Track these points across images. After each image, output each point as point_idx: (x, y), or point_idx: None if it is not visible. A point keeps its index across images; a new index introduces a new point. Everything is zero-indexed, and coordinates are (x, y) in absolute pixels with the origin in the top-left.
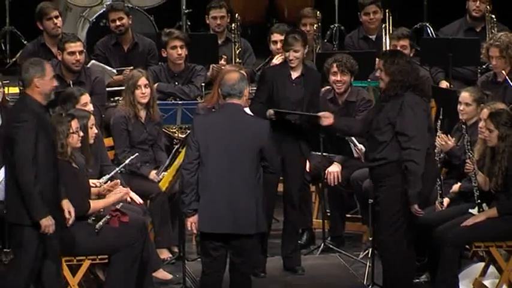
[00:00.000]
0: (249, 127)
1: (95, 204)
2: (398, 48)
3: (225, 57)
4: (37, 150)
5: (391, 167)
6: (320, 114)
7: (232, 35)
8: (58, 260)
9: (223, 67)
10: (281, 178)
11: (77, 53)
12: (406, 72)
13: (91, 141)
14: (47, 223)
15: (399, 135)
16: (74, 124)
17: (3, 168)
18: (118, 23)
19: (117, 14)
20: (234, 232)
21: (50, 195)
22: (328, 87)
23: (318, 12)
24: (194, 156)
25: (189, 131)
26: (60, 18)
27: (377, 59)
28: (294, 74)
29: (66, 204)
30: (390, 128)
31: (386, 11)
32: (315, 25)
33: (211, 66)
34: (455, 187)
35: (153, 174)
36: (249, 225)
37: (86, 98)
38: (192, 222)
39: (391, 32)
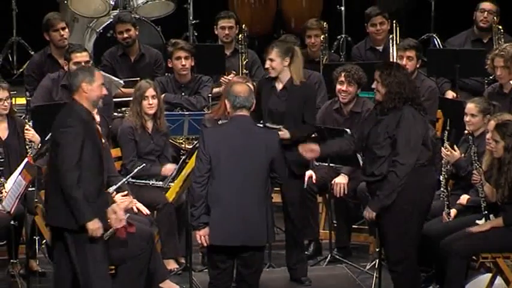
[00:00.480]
0: (260, 139)
1: None
2: (404, 59)
3: (234, 72)
4: (82, 156)
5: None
6: (301, 149)
7: (240, 46)
8: (106, 263)
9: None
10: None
11: (83, 64)
12: (402, 84)
13: None
14: (93, 226)
15: (392, 148)
16: None
17: (10, 179)
18: (125, 34)
19: (125, 26)
20: (246, 244)
21: (97, 200)
22: (334, 98)
23: (324, 23)
24: (205, 169)
25: (196, 142)
26: (67, 30)
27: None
28: (278, 86)
29: (116, 208)
30: (389, 142)
31: (394, 22)
32: (321, 36)
33: (221, 80)
34: (463, 199)
35: (167, 167)
36: (260, 237)
37: None
38: (202, 236)
39: (398, 43)
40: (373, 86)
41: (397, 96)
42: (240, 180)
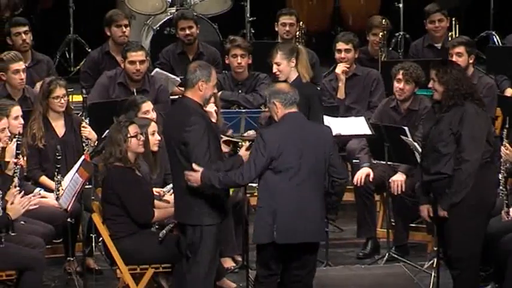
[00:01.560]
0: (318, 135)
1: (159, 213)
2: (454, 55)
3: None
4: (210, 150)
5: (451, 180)
6: None
7: (297, 43)
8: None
9: None
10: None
11: (137, 63)
12: (460, 80)
13: (154, 148)
14: None
15: (457, 145)
16: (133, 129)
17: (67, 176)
18: (187, 31)
19: (188, 23)
20: (308, 241)
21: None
22: (391, 96)
23: (387, 21)
24: (258, 171)
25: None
26: (128, 28)
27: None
28: None
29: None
30: (453, 139)
31: (453, 19)
32: (381, 33)
33: None
34: None
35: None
36: (320, 233)
37: (147, 105)
38: None
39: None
40: (430, 85)
41: (456, 93)
42: (304, 177)
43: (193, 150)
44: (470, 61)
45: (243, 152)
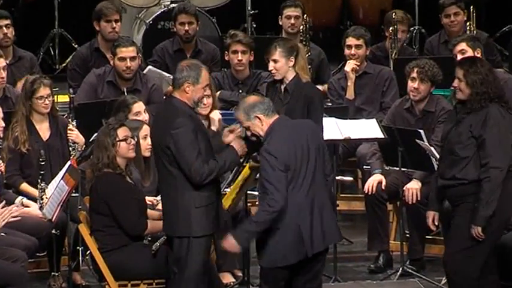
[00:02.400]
0: (309, 130)
1: (153, 225)
2: (458, 55)
3: None
4: (201, 153)
5: (472, 186)
6: None
7: (301, 38)
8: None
9: None
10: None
11: (128, 60)
12: (489, 82)
13: (145, 153)
14: None
15: (480, 150)
16: (122, 132)
17: (52, 183)
18: (187, 27)
19: (188, 18)
20: (332, 243)
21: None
22: (405, 96)
23: (409, 16)
24: (286, 189)
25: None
26: (119, 23)
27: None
28: (282, 87)
29: None
30: (473, 142)
31: (471, 11)
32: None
33: None
34: None
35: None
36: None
37: (139, 106)
38: None
39: (475, 33)
40: (455, 84)
41: (484, 96)
42: (311, 178)
43: (183, 154)
44: (478, 55)
45: (228, 139)
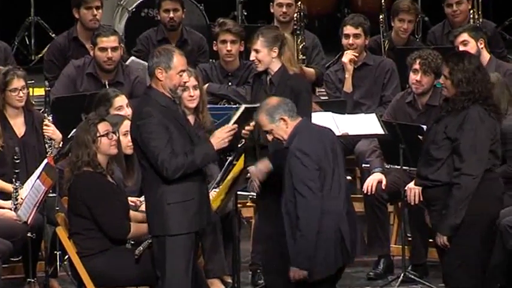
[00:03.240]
0: (336, 137)
1: (137, 228)
2: (460, 46)
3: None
4: (172, 144)
5: (445, 189)
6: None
7: (295, 27)
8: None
9: None
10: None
11: (109, 50)
12: (476, 81)
13: (127, 151)
14: None
15: (454, 153)
16: (103, 126)
17: (27, 183)
18: (172, 14)
19: (173, 4)
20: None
21: None
22: (407, 89)
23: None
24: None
25: (243, 141)
26: (100, 11)
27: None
28: (267, 79)
29: None
30: (448, 144)
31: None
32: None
33: None
34: None
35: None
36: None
37: (121, 100)
38: None
39: (480, 22)
40: (441, 81)
41: (469, 97)
42: (339, 179)
43: (149, 146)
44: (481, 46)
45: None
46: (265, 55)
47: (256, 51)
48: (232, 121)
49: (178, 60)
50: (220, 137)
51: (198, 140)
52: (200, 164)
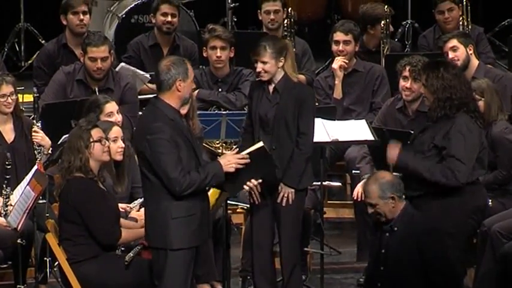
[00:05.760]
0: None
1: (128, 234)
2: (449, 52)
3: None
4: (182, 161)
5: (430, 199)
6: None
7: (285, 33)
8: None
9: None
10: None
11: (99, 60)
12: (453, 87)
13: (116, 157)
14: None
15: (448, 156)
16: (96, 133)
17: (17, 189)
18: (170, 18)
19: (172, 9)
20: None
21: None
22: (397, 95)
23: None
24: None
25: (236, 146)
26: (88, 16)
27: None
28: (270, 88)
29: None
30: (435, 152)
31: (467, 4)
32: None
33: None
34: None
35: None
36: None
37: (111, 106)
38: None
39: (469, 28)
40: (421, 91)
41: (447, 103)
42: None
43: (160, 162)
44: (470, 52)
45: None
46: (272, 66)
47: (264, 62)
48: (246, 152)
49: (190, 68)
50: (230, 161)
51: (200, 151)
52: (209, 183)
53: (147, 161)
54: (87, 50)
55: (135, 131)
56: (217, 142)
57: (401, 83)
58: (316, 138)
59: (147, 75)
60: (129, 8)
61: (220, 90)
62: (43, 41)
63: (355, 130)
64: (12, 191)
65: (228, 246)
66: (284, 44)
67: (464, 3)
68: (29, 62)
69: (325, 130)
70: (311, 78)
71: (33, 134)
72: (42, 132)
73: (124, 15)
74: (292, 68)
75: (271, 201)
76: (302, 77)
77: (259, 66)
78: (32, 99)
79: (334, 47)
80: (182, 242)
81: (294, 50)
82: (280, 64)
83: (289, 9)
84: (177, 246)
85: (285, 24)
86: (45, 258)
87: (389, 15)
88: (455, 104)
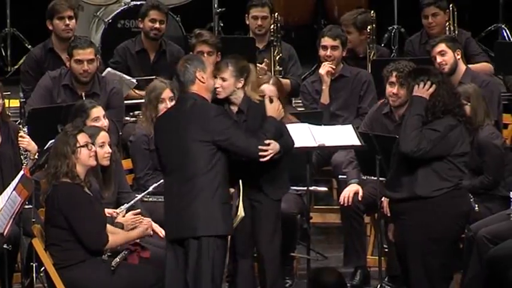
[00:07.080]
0: None
1: (115, 239)
2: (437, 56)
3: (267, 61)
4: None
5: (415, 203)
6: None
7: (272, 38)
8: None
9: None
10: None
11: (85, 62)
12: (438, 96)
13: (103, 162)
14: None
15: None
16: (82, 137)
17: (3, 195)
18: (158, 25)
19: (160, 16)
20: None
21: None
22: (383, 100)
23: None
24: None
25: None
26: (74, 21)
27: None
28: (234, 109)
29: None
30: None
31: (453, 10)
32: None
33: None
34: None
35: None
36: None
37: (98, 111)
38: None
39: (456, 33)
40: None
41: (431, 111)
42: None
43: (231, 135)
44: (458, 56)
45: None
46: (230, 84)
47: (223, 79)
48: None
49: (204, 60)
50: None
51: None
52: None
53: (211, 144)
54: (73, 53)
55: (182, 124)
56: None
57: (388, 88)
58: (302, 143)
59: (134, 81)
60: (115, 13)
61: None
62: (29, 46)
63: (342, 135)
64: None
65: None
66: (246, 65)
67: (451, 8)
68: (15, 67)
69: (311, 135)
70: (296, 82)
71: (19, 139)
72: (28, 137)
73: (110, 20)
74: (254, 89)
75: (250, 210)
76: (287, 81)
77: (218, 82)
78: (18, 104)
79: (322, 52)
80: (228, 228)
81: (281, 55)
82: (239, 85)
83: (276, 14)
84: (223, 232)
85: (272, 30)
86: (31, 264)
87: (375, 21)
88: (441, 111)
